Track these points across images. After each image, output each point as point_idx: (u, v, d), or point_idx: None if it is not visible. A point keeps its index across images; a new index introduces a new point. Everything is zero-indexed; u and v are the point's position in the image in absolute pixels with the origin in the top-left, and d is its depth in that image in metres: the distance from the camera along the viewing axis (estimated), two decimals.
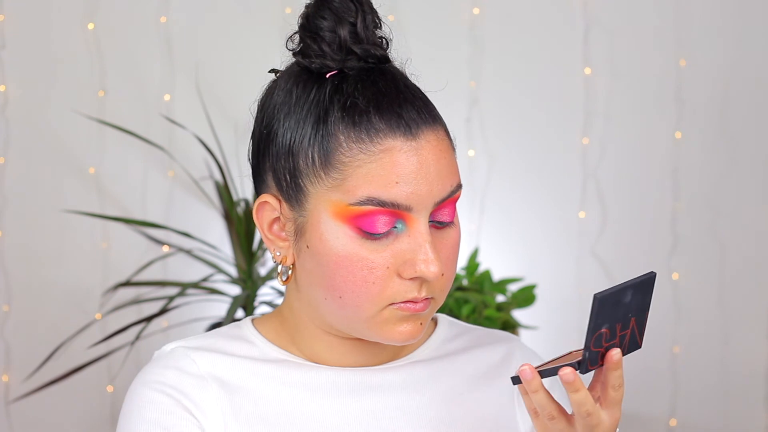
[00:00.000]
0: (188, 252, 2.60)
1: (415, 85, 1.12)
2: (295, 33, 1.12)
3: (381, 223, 1.07)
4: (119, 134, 2.73)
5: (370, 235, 1.07)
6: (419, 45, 2.46)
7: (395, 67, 1.12)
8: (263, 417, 1.13)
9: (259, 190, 1.15)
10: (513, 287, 2.58)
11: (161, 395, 1.12)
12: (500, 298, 2.52)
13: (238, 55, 2.82)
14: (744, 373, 2.97)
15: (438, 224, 1.10)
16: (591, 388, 1.05)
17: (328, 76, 1.09)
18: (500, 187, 2.91)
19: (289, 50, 1.13)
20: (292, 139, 1.09)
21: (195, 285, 2.48)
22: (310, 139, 1.08)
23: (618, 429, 1.08)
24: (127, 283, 2.55)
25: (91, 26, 2.77)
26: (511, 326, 2.45)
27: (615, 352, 1.01)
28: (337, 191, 1.07)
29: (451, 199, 1.09)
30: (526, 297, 2.50)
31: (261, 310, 2.57)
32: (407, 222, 1.07)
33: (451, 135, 1.12)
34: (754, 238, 2.95)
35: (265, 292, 2.60)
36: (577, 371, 1.01)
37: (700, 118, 2.92)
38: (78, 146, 2.79)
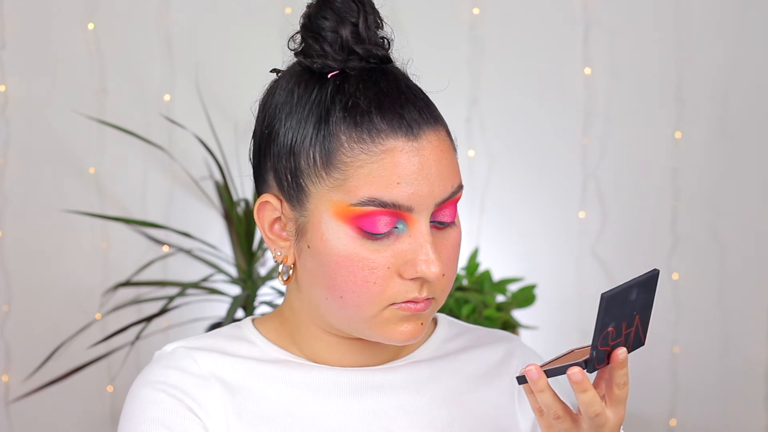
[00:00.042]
0: (188, 252, 2.60)
1: (416, 86, 1.12)
2: (296, 33, 1.12)
3: (382, 224, 1.07)
4: (119, 134, 2.73)
5: (371, 236, 1.07)
6: (419, 45, 2.46)
7: (397, 68, 1.12)
8: (265, 417, 1.13)
9: (260, 189, 1.15)
10: (513, 287, 2.58)
11: (164, 395, 1.12)
12: (500, 298, 2.52)
13: (238, 55, 2.82)
14: (744, 373, 2.97)
15: (439, 224, 1.10)
16: (595, 386, 1.05)
17: (329, 76, 1.10)
18: (500, 187, 2.91)
19: (291, 50, 1.13)
20: (294, 139, 1.09)
21: (195, 285, 2.48)
22: (311, 139, 1.08)
23: (622, 428, 1.08)
24: (127, 283, 2.55)
25: (91, 26, 2.77)
26: (511, 326, 2.45)
27: (621, 351, 1.02)
28: (338, 191, 1.07)
29: (452, 199, 1.09)
30: (526, 297, 2.50)
31: (261, 310, 2.57)
32: (408, 222, 1.08)
33: (453, 135, 1.12)
34: (754, 238, 2.95)
35: (265, 292, 2.60)
36: (585, 370, 1.01)
37: (700, 118, 2.92)
38: (78, 146, 2.79)
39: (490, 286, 2.51)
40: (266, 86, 1.16)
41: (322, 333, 1.16)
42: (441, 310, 2.33)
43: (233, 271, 2.64)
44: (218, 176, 2.64)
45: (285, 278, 1.14)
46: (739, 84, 2.91)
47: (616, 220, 2.93)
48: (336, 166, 1.07)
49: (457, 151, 1.12)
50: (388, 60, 1.12)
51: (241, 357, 1.17)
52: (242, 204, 2.54)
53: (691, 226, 2.94)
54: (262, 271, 2.63)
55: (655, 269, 1.04)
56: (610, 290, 0.99)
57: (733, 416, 2.98)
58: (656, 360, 2.93)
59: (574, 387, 1.01)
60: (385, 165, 1.06)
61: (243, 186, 2.71)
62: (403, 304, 1.09)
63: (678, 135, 2.92)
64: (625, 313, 1.01)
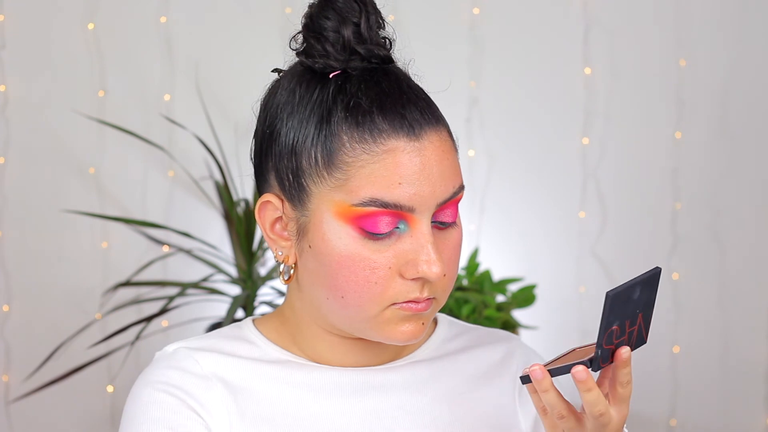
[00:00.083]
0: (188, 252, 2.60)
1: (418, 86, 1.12)
2: (298, 33, 1.12)
3: (383, 224, 1.07)
4: (119, 134, 2.73)
5: (372, 236, 1.07)
6: (419, 45, 2.46)
7: (398, 68, 1.12)
8: (268, 417, 1.13)
9: (261, 189, 1.15)
10: (513, 287, 2.58)
11: (166, 395, 1.12)
12: (500, 298, 2.52)
13: (238, 55, 2.82)
14: (744, 373, 2.97)
15: (440, 225, 1.10)
16: (599, 384, 1.05)
17: (331, 76, 1.09)
18: (500, 187, 2.91)
19: (293, 50, 1.13)
20: (295, 139, 1.09)
21: (195, 285, 2.48)
22: (313, 138, 1.08)
23: (625, 426, 1.08)
24: (127, 283, 2.55)
25: (91, 26, 2.77)
26: (511, 326, 2.45)
27: (625, 350, 1.02)
28: (340, 191, 1.07)
29: (453, 200, 1.09)
30: (526, 297, 2.50)
31: (261, 310, 2.57)
32: (410, 222, 1.08)
33: (454, 136, 1.12)
34: (754, 238, 2.95)
35: (265, 292, 2.60)
36: (589, 369, 1.01)
37: (700, 118, 2.92)
38: (78, 146, 2.79)
39: (490, 286, 2.51)
40: (268, 86, 1.16)
41: (323, 333, 1.16)
42: (441, 310, 2.33)
43: (233, 271, 2.64)
44: (218, 176, 2.64)
45: (286, 278, 1.14)
46: (739, 84, 2.92)
47: (616, 220, 2.93)
48: (337, 166, 1.07)
49: (458, 151, 1.12)
50: (390, 60, 1.12)
51: (242, 357, 1.16)
52: (242, 204, 2.54)
53: (691, 226, 2.94)
54: (262, 271, 2.63)
55: (657, 267, 1.04)
56: (614, 288, 0.99)
57: (733, 416, 2.98)
58: (656, 360, 2.93)
59: (579, 386, 1.01)
60: (386, 165, 1.06)
61: (243, 186, 2.71)
62: (405, 304, 1.09)
63: (678, 135, 2.92)
64: (629, 312, 1.02)
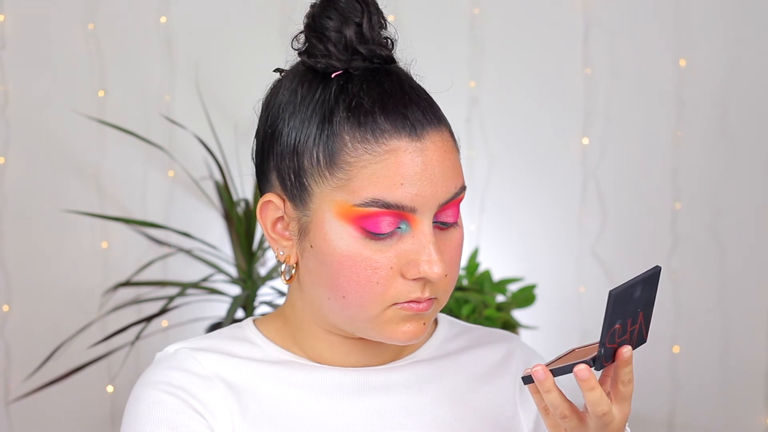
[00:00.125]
0: (188, 252, 2.60)
1: (420, 86, 1.12)
2: (300, 32, 1.12)
3: (385, 224, 1.07)
4: (119, 134, 2.73)
5: (374, 236, 1.07)
6: (419, 45, 2.46)
7: (400, 68, 1.13)
8: (270, 418, 1.13)
9: (262, 189, 1.15)
10: (513, 287, 2.58)
11: (168, 396, 1.12)
12: (500, 298, 2.52)
13: (238, 55, 2.82)
14: (744, 373, 2.97)
15: (442, 225, 1.10)
16: (600, 384, 1.05)
17: (333, 76, 1.10)
18: (500, 187, 2.91)
19: (295, 50, 1.13)
20: (297, 139, 1.09)
21: (195, 285, 2.48)
22: (315, 138, 1.08)
23: (627, 425, 1.08)
24: (127, 283, 2.55)
25: (91, 26, 2.77)
26: (511, 326, 2.45)
27: (626, 349, 1.02)
28: (341, 191, 1.07)
29: (455, 200, 1.10)
30: (526, 297, 2.50)
31: (261, 310, 2.57)
32: (411, 223, 1.08)
33: (456, 136, 1.12)
34: (754, 238, 2.95)
35: (265, 292, 2.60)
36: (592, 368, 1.01)
37: (700, 118, 2.92)
38: (78, 146, 2.79)
39: (490, 286, 2.51)
40: (269, 85, 1.16)
41: (324, 333, 1.17)
42: (441, 310, 2.33)
43: (233, 271, 2.64)
44: (218, 176, 2.64)
45: (287, 278, 1.14)
46: (739, 84, 2.92)
47: (616, 220, 2.93)
48: (339, 166, 1.07)
49: (459, 151, 1.12)
50: (392, 60, 1.12)
51: (244, 358, 1.16)
52: (242, 204, 2.54)
53: (691, 226, 2.94)
54: (262, 271, 2.63)
55: (657, 266, 1.05)
56: (616, 287, 1.00)
57: (733, 416, 2.98)
58: (656, 359, 2.93)
59: (582, 385, 1.01)
60: (388, 165, 1.06)
61: (243, 186, 2.71)
62: (406, 304, 1.09)
63: (678, 135, 2.92)
64: (630, 310, 1.02)
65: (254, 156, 1.16)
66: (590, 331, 2.91)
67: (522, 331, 2.59)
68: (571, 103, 2.90)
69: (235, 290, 2.64)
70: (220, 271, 2.57)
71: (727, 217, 2.94)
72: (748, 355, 2.97)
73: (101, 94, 2.78)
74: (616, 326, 1.01)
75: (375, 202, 1.06)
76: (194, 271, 2.74)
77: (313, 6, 1.11)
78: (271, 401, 1.14)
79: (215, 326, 2.53)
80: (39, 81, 2.77)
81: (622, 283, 1.01)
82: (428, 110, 1.09)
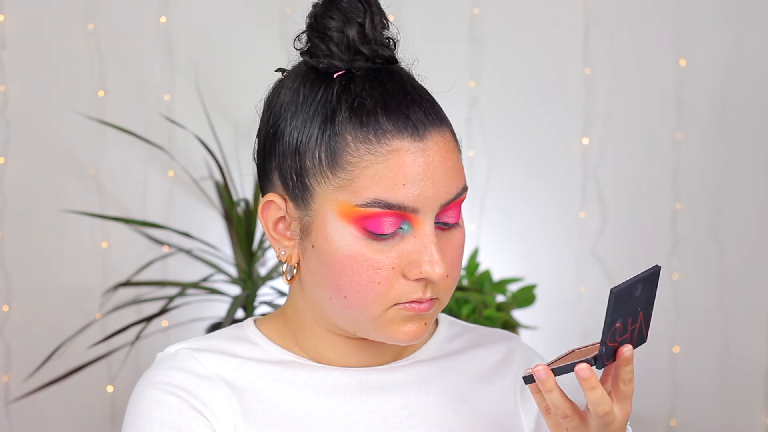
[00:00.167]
0: (188, 252, 2.60)
1: (422, 86, 1.12)
2: (302, 32, 1.12)
3: (387, 225, 1.07)
4: (119, 134, 2.73)
5: (376, 236, 1.07)
6: (419, 45, 2.47)
7: (402, 68, 1.13)
8: (272, 418, 1.12)
9: (264, 189, 1.15)
10: (513, 287, 2.58)
11: (169, 396, 1.11)
12: (500, 298, 2.52)
13: (238, 55, 2.82)
14: (744, 373, 2.97)
15: (443, 225, 1.10)
16: (601, 383, 1.05)
17: (335, 76, 1.10)
18: (500, 187, 2.91)
19: (297, 50, 1.13)
20: (299, 139, 1.09)
21: (195, 285, 2.48)
22: (317, 138, 1.08)
23: (628, 425, 1.09)
24: (127, 283, 2.55)
25: (91, 26, 2.77)
26: (511, 326, 2.45)
27: (627, 348, 1.02)
28: (343, 191, 1.07)
29: (456, 201, 1.10)
30: (526, 297, 2.50)
31: (261, 310, 2.57)
32: (413, 223, 1.08)
33: (457, 137, 1.12)
34: (754, 238, 2.95)
35: (265, 292, 2.60)
36: (593, 367, 1.01)
37: (700, 118, 2.92)
38: (78, 146, 2.79)
39: (490, 286, 2.51)
40: (271, 85, 1.16)
41: (326, 333, 1.17)
42: (441, 310, 2.33)
43: (233, 271, 2.64)
44: (218, 176, 2.64)
45: (289, 278, 1.14)
46: (739, 84, 2.92)
47: (616, 220, 2.93)
48: (342, 166, 1.07)
49: (461, 151, 1.12)
50: (394, 60, 1.12)
51: (245, 358, 1.16)
52: (242, 204, 2.54)
53: (691, 226, 2.94)
54: (262, 271, 2.63)
55: (656, 265, 1.05)
56: (617, 285, 1.00)
57: (733, 416, 2.98)
58: (656, 360, 2.94)
59: (583, 384, 1.01)
60: (390, 166, 1.06)
61: (243, 186, 2.71)
62: (407, 305, 1.09)
63: (678, 135, 2.92)
64: (631, 309, 1.02)
65: (256, 156, 1.16)
66: (590, 331, 2.91)
67: (522, 331, 2.59)
68: (571, 103, 2.90)
69: (235, 290, 2.64)
70: (220, 271, 2.57)
71: (727, 217, 2.94)
72: (748, 355, 2.97)
73: (101, 94, 2.78)
74: (617, 325, 1.01)
75: (377, 203, 1.06)
76: (194, 271, 2.74)
77: (315, 6, 1.10)
78: (272, 401, 1.14)
79: (215, 326, 2.53)
80: (39, 81, 2.77)
81: (623, 281, 1.01)
82: (430, 110, 1.09)
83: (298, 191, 1.10)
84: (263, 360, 1.17)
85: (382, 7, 1.12)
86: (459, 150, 1.11)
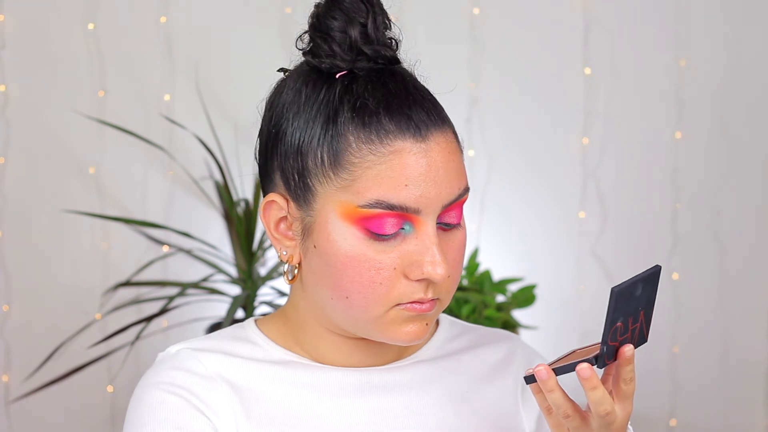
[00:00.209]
0: (188, 252, 2.60)
1: (424, 87, 1.12)
2: (304, 32, 1.12)
3: (389, 225, 1.07)
4: (119, 134, 2.73)
5: (378, 236, 1.07)
6: (419, 45, 2.46)
7: (404, 69, 1.13)
8: (273, 418, 1.12)
9: (266, 189, 1.15)
10: (513, 287, 2.58)
11: (172, 396, 1.11)
12: (500, 298, 2.52)
13: (238, 55, 2.82)
14: (744, 373, 2.97)
15: (445, 226, 1.10)
16: (603, 382, 1.05)
17: (337, 76, 1.09)
18: (500, 187, 2.91)
19: (299, 50, 1.13)
20: (301, 139, 1.09)
21: (195, 285, 2.48)
22: (319, 139, 1.08)
23: (629, 424, 1.09)
24: (127, 283, 2.54)
25: (91, 26, 2.77)
26: (511, 326, 2.45)
27: (628, 348, 1.02)
28: (346, 192, 1.07)
29: (458, 201, 1.10)
30: (526, 297, 2.50)
31: (261, 310, 2.57)
32: (415, 224, 1.08)
33: (460, 138, 1.12)
34: (754, 238, 2.96)
35: (265, 292, 2.60)
36: (595, 366, 1.01)
37: (700, 118, 2.92)
38: (78, 146, 2.79)
39: (490, 286, 2.51)
40: (273, 85, 1.16)
41: (327, 333, 1.17)
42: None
43: (233, 271, 2.64)
44: (218, 176, 2.64)
45: (290, 278, 1.14)
46: (739, 84, 2.92)
47: (616, 220, 2.93)
48: (344, 166, 1.07)
49: (463, 152, 1.12)
50: (396, 61, 1.12)
51: (246, 358, 1.16)
52: (242, 204, 2.54)
53: (691, 226, 2.94)
54: (262, 271, 2.63)
55: (657, 265, 1.05)
56: (619, 285, 1.00)
57: (733, 416, 2.98)
58: (656, 360, 2.94)
59: (584, 384, 1.01)
60: (392, 166, 1.06)
61: (243, 186, 2.71)
62: (409, 305, 1.09)
63: (678, 135, 2.92)
64: (632, 309, 1.02)
65: (257, 155, 1.16)
66: (590, 331, 2.91)
67: (522, 331, 2.59)
68: (571, 103, 2.90)
69: (235, 290, 2.64)
70: (220, 271, 2.57)
71: (727, 217, 2.94)
72: (748, 355, 2.97)
73: (101, 94, 2.78)
74: (618, 324, 1.01)
75: (379, 204, 1.06)
76: (194, 271, 2.74)
77: (317, 6, 1.10)
78: (273, 401, 1.14)
79: (215, 326, 2.53)
80: (39, 81, 2.77)
81: (624, 281, 1.01)
82: (432, 111, 1.09)
83: (300, 191, 1.10)
84: (264, 360, 1.17)
85: (387, 7, 1.12)
86: (461, 151, 1.11)
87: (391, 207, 1.06)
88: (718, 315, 2.96)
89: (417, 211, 1.07)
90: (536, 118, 2.91)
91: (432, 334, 1.24)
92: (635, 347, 1.04)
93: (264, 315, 1.24)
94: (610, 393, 1.05)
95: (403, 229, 1.08)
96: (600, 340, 1.03)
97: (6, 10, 2.76)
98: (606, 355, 1.01)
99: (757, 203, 2.94)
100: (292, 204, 1.11)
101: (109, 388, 2.80)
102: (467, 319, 2.37)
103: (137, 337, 2.33)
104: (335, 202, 1.08)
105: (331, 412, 1.14)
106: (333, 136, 1.07)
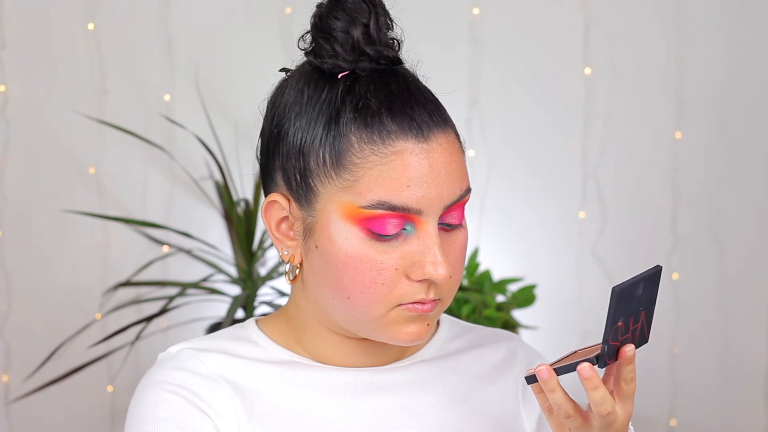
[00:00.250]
0: (188, 252, 2.60)
1: (426, 87, 1.12)
2: (307, 32, 1.12)
3: (391, 226, 1.07)
4: (119, 134, 2.73)
5: (379, 237, 1.07)
6: (419, 45, 2.46)
7: (407, 69, 1.13)
8: (275, 418, 1.13)
9: (267, 188, 1.15)
10: (513, 287, 2.58)
11: (173, 395, 1.11)
12: (500, 298, 2.52)
13: (238, 55, 2.82)
14: (744, 373, 2.97)
15: (447, 227, 1.10)
16: (603, 382, 1.05)
17: (340, 76, 1.09)
18: (500, 187, 2.91)
19: (301, 50, 1.13)
20: (303, 139, 1.09)
21: (195, 285, 2.48)
22: (321, 139, 1.08)
23: (631, 424, 1.09)
24: (127, 283, 2.55)
25: (91, 26, 2.77)
26: (511, 326, 2.45)
27: (629, 348, 1.02)
28: (347, 192, 1.07)
29: (460, 202, 1.10)
30: (526, 297, 2.50)
31: (261, 310, 2.57)
32: (417, 224, 1.08)
33: (462, 138, 1.12)
34: (754, 238, 2.96)
35: (265, 292, 2.60)
36: (596, 366, 1.01)
37: (700, 118, 2.92)
38: (78, 146, 2.79)
39: (490, 286, 2.51)
40: (275, 85, 1.16)
41: (328, 333, 1.17)
42: None
43: (233, 271, 2.64)
44: (218, 176, 2.64)
45: (291, 278, 1.14)
46: (739, 84, 2.92)
47: (616, 220, 2.93)
48: (346, 167, 1.07)
49: (465, 153, 1.12)
50: (399, 61, 1.12)
51: (247, 358, 1.16)
52: (242, 204, 2.54)
53: (691, 226, 2.94)
54: (262, 271, 2.63)
55: (658, 265, 1.05)
56: (620, 284, 1.00)
57: (733, 416, 2.98)
58: (656, 360, 2.94)
59: (585, 384, 1.01)
60: (395, 167, 1.06)
61: (243, 186, 2.71)
62: (410, 305, 1.09)
63: (678, 135, 2.92)
64: (633, 309, 1.02)
65: (259, 155, 1.16)
66: (590, 331, 2.91)
67: (522, 331, 2.59)
68: (571, 103, 2.90)
69: (235, 290, 2.64)
70: (220, 271, 2.57)
71: (727, 217, 2.94)
72: (748, 355, 2.97)
73: (101, 94, 2.78)
74: (619, 324, 1.01)
75: (381, 204, 1.06)
76: (194, 271, 2.74)
77: (319, 6, 1.10)
78: (275, 401, 1.14)
79: (215, 326, 2.53)
80: (39, 81, 2.77)
81: (625, 280, 1.01)
82: (435, 112, 1.09)
83: (302, 191, 1.10)
84: (265, 360, 1.17)
85: (389, 8, 1.12)
86: (463, 151, 1.11)
87: (392, 208, 1.06)
88: (718, 315, 2.96)
89: (419, 212, 1.07)
90: (536, 118, 2.91)
91: (433, 335, 1.24)
92: (636, 347, 1.04)
93: (265, 315, 1.24)
94: (611, 393, 1.05)
95: (404, 229, 1.08)
96: (601, 341, 1.03)
97: (6, 10, 2.75)
98: (607, 355, 1.01)
99: (757, 203, 2.94)
100: (293, 204, 1.11)
101: (109, 388, 2.80)
102: (467, 319, 2.37)
103: (137, 337, 2.33)
104: (337, 202, 1.08)
105: (332, 412, 1.14)
106: (335, 137, 1.07)
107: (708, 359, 2.96)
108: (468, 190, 1.10)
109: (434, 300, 1.10)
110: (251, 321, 1.22)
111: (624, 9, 2.89)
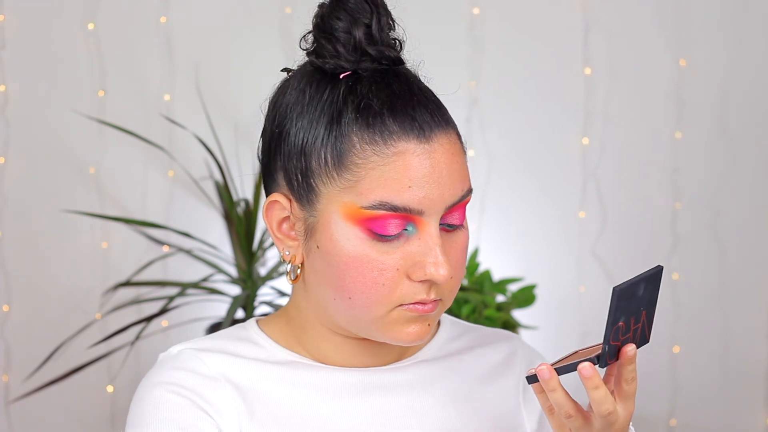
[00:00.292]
0: (188, 252, 2.60)
1: (428, 88, 1.12)
2: (308, 33, 1.12)
3: (392, 226, 1.07)
4: (119, 134, 2.73)
5: (381, 237, 1.07)
6: (418, 45, 2.46)
7: (408, 70, 1.13)
8: (276, 418, 1.12)
9: (269, 188, 1.15)
10: (513, 287, 2.58)
11: (175, 395, 1.11)
12: (500, 298, 2.52)
13: (238, 55, 2.82)
14: (744, 373, 2.97)
15: (448, 227, 1.10)
16: (604, 382, 1.05)
17: (342, 76, 1.09)
18: (500, 187, 2.91)
19: (303, 50, 1.13)
20: (305, 139, 1.09)
21: (195, 285, 2.48)
22: (323, 139, 1.08)
23: (631, 424, 1.09)
24: (127, 283, 2.54)
25: (91, 26, 2.77)
26: (511, 326, 2.45)
27: (630, 348, 1.02)
28: (349, 193, 1.07)
29: (461, 203, 1.10)
30: (526, 297, 2.50)
31: (261, 310, 2.57)
32: (418, 225, 1.08)
33: (463, 139, 1.12)
34: (754, 238, 2.96)
35: (265, 292, 2.60)
36: (596, 365, 1.01)
37: (700, 118, 2.92)
38: (78, 146, 2.79)
39: (490, 286, 2.51)
40: (276, 85, 1.16)
41: (329, 333, 1.17)
42: None
43: (233, 271, 2.64)
44: (218, 176, 2.64)
45: (292, 278, 1.14)
46: (739, 84, 2.92)
47: (616, 220, 2.93)
48: (347, 167, 1.07)
49: (466, 153, 1.12)
50: (400, 61, 1.12)
51: (248, 358, 1.16)
52: (242, 204, 2.54)
53: (691, 226, 2.94)
54: (262, 271, 2.63)
55: (658, 265, 1.05)
56: (620, 284, 1.00)
57: (733, 416, 2.98)
58: (656, 360, 2.94)
59: (586, 383, 1.01)
60: (396, 168, 1.06)
61: (243, 186, 2.71)
62: (412, 306, 1.09)
63: (678, 135, 2.92)
64: (633, 308, 1.02)
65: (260, 155, 1.16)
66: (590, 331, 2.91)
67: (522, 331, 2.59)
68: (570, 103, 2.90)
69: (235, 290, 2.64)
70: (220, 271, 2.57)
71: (727, 217, 2.94)
72: (748, 355, 2.97)
73: (101, 94, 2.78)
74: (620, 323, 1.01)
75: (382, 205, 1.06)
76: (194, 271, 2.74)
77: (321, 6, 1.10)
78: (276, 401, 1.14)
79: (215, 326, 2.53)
80: (39, 81, 2.77)
81: (625, 280, 1.01)
82: (436, 112, 1.09)
83: (303, 192, 1.10)
84: (267, 360, 1.17)
85: (391, 8, 1.12)
86: (464, 152, 1.11)
87: (394, 208, 1.06)
88: (718, 315, 2.96)
89: (420, 213, 1.07)
90: (536, 118, 2.91)
91: (433, 335, 1.24)
92: (637, 347, 1.04)
93: (265, 315, 1.24)
94: (612, 393, 1.05)
95: (406, 230, 1.08)
96: (602, 341, 1.03)
97: (6, 10, 2.75)
98: (608, 355, 1.02)
99: (757, 203, 2.94)
100: (295, 204, 1.11)
101: (109, 388, 2.80)
102: (467, 319, 2.37)
103: (137, 337, 2.33)
104: (338, 202, 1.08)
105: (333, 412, 1.14)
106: (337, 137, 1.07)
107: (708, 359, 2.97)
108: (469, 191, 1.10)
109: (435, 300, 1.10)
110: (252, 321, 1.22)
111: (623, 9, 2.90)
